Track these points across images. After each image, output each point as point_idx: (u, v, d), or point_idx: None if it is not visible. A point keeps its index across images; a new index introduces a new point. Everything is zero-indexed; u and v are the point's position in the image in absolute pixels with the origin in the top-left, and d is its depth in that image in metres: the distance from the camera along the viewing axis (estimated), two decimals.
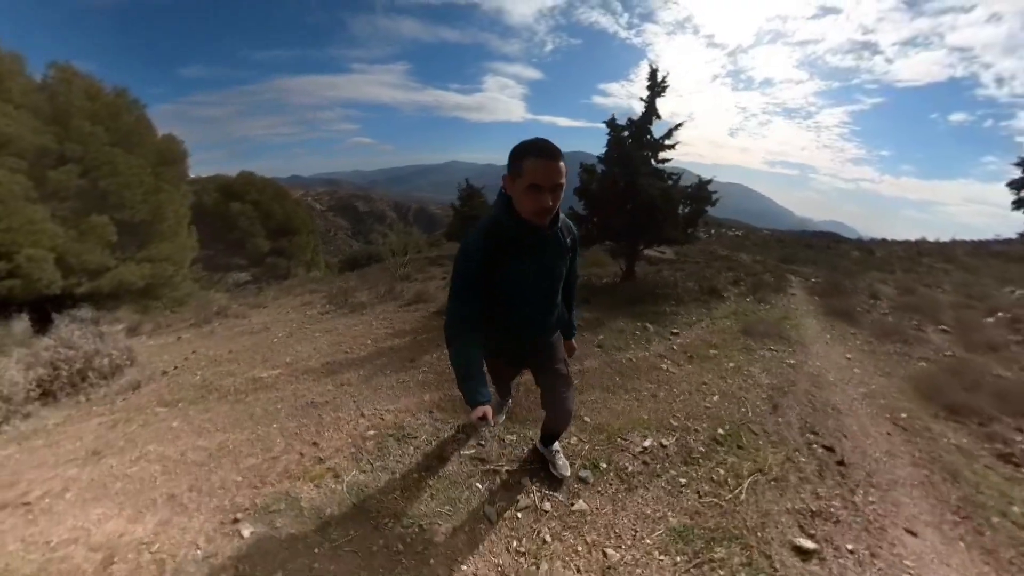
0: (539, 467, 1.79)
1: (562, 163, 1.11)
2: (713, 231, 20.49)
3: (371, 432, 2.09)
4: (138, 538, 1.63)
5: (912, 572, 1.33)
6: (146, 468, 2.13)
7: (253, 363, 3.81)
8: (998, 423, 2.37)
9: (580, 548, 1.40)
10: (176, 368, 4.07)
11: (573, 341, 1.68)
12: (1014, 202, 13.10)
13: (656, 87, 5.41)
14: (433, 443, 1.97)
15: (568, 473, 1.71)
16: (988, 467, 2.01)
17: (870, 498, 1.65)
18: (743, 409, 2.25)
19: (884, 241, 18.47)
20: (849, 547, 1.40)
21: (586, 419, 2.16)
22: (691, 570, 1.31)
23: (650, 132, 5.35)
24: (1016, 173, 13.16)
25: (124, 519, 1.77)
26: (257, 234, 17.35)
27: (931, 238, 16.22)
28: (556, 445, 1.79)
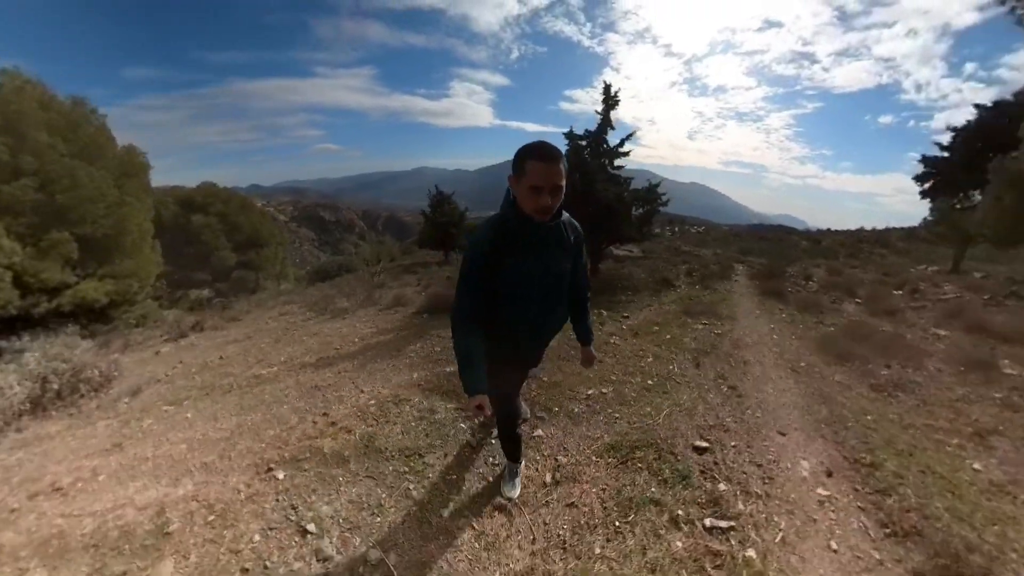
0: None
1: (562, 165, 1.18)
2: (677, 228, 21.84)
3: (372, 402, 2.54)
4: (182, 495, 2.00)
5: (773, 455, 1.93)
6: (172, 449, 2.47)
7: (248, 364, 4.12)
8: (873, 363, 3.08)
9: (538, 458, 1.92)
10: (169, 375, 4.31)
11: (592, 349, 1.64)
12: (920, 192, 14.92)
13: (610, 100, 6.09)
14: (425, 403, 2.44)
15: (514, 495, 1.70)
16: (859, 395, 2.68)
17: (756, 414, 2.26)
18: (671, 367, 2.85)
19: (830, 231, 20.34)
20: (732, 444, 1.98)
21: (544, 379, 2.68)
22: (619, 466, 1.85)
23: (606, 141, 6.03)
24: (921, 168, 15.08)
25: (164, 487, 2.12)
26: (223, 247, 17.01)
27: (869, 227, 18.07)
28: (517, 467, 1.78)
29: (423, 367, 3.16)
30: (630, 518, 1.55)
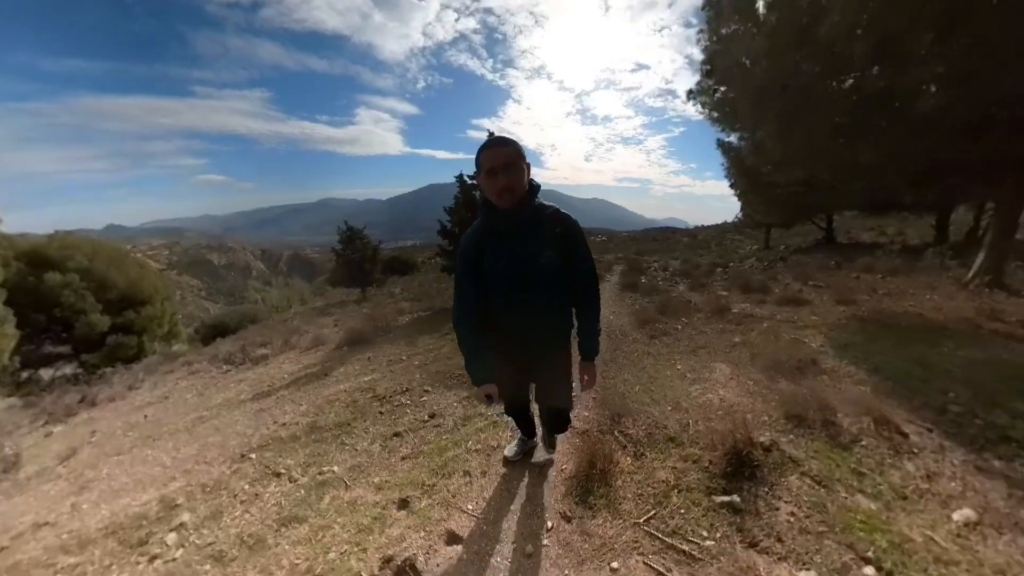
0: None
1: (510, 148, 1.30)
2: None
3: (310, 408, 3.58)
4: (177, 488, 2.87)
5: None
6: (146, 471, 3.23)
7: (182, 414, 4.75)
8: (660, 322, 4.87)
9: None
10: (92, 440, 4.72)
11: (594, 364, 1.58)
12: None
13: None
14: (350, 397, 3.56)
15: (543, 459, 2.07)
16: (637, 340, 4.37)
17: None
18: None
19: (704, 227, 24.99)
20: None
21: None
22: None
23: None
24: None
25: (155, 490, 2.94)
26: (91, 310, 15.52)
27: (731, 220, 22.71)
28: (555, 440, 2.08)
29: (347, 381, 4.24)
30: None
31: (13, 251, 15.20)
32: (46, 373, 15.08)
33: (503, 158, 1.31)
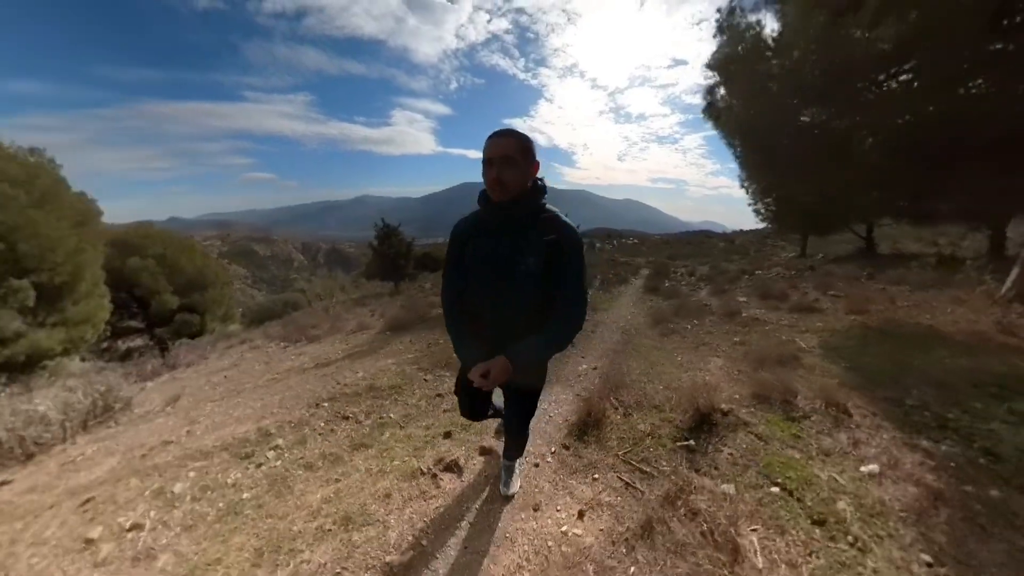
0: None
1: (512, 139, 1.32)
2: (616, 242, 25.11)
3: (367, 374, 4.40)
4: (268, 423, 3.74)
5: (574, 364, 4.05)
6: (241, 412, 4.15)
7: (256, 376, 5.75)
8: (672, 322, 5.38)
9: None
10: (187, 391, 5.80)
11: (510, 365, 1.32)
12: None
13: None
14: (398, 368, 4.34)
15: (511, 492, 1.94)
16: (648, 336, 4.91)
17: (575, 352, 4.39)
18: None
19: (743, 231, 24.49)
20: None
21: None
22: None
23: None
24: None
25: (251, 424, 3.84)
26: (164, 291, 17.56)
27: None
28: (514, 464, 2.00)
29: (394, 357, 5.06)
30: None
31: (104, 239, 17.55)
32: (120, 344, 17.28)
33: (500, 149, 1.32)
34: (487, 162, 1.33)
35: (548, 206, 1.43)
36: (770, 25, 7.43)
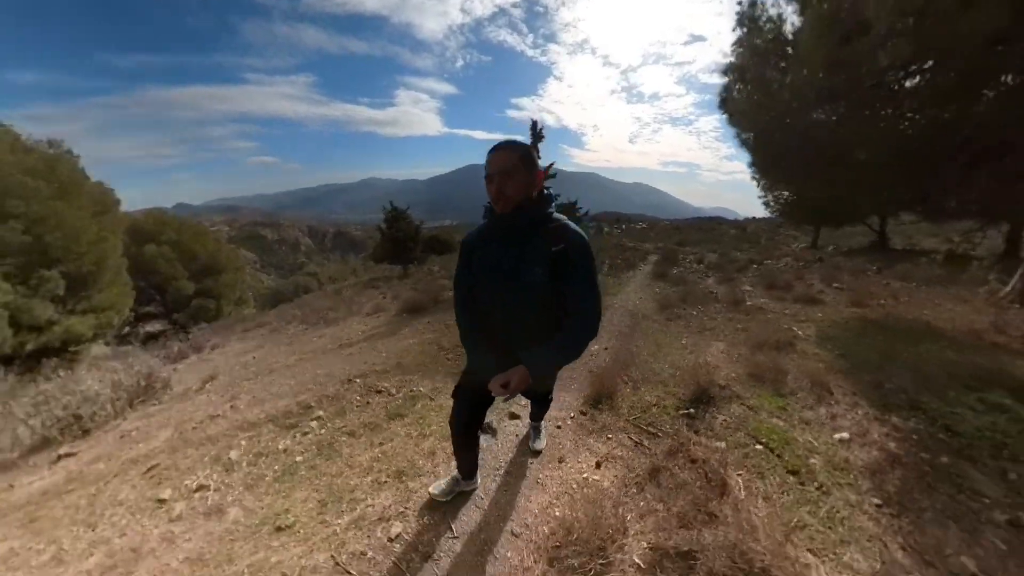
0: None
1: (512, 152, 1.36)
2: (624, 226, 25.23)
3: (391, 353, 4.79)
4: (306, 398, 4.15)
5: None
6: (279, 389, 4.58)
7: (282, 357, 6.20)
8: (678, 308, 5.70)
9: None
10: (220, 370, 6.27)
11: (529, 375, 1.32)
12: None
13: (536, 136, 8.64)
14: (422, 348, 4.73)
15: (539, 447, 2.35)
16: (655, 321, 5.25)
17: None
18: None
19: (755, 219, 24.46)
20: None
21: None
22: None
23: None
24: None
25: (290, 399, 4.27)
26: (180, 276, 18.12)
27: None
28: (540, 424, 2.41)
29: (414, 337, 5.45)
30: None
31: (122, 226, 18.07)
32: (140, 329, 17.95)
33: (500, 163, 1.36)
34: (488, 177, 1.38)
35: (556, 215, 1.45)
36: (791, 20, 7.48)
